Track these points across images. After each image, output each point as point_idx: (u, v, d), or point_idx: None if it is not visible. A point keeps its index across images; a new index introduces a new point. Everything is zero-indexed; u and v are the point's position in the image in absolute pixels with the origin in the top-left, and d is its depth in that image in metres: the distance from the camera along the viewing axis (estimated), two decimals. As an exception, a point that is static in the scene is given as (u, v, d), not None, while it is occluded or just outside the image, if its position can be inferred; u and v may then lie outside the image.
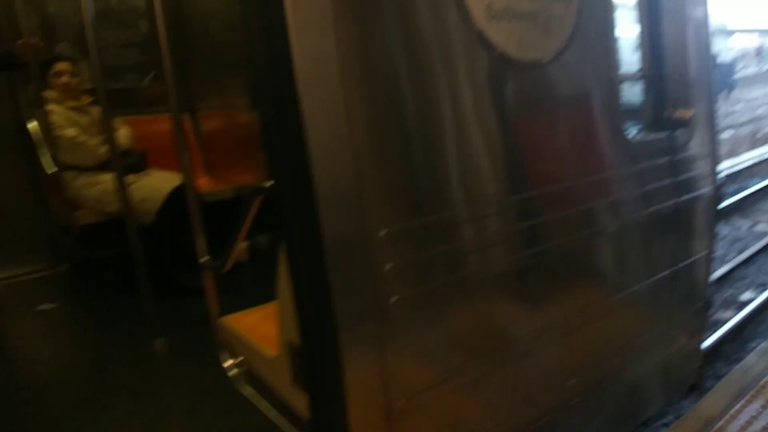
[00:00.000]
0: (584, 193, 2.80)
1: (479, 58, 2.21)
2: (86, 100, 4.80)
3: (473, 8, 2.14)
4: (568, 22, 2.56)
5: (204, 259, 2.79)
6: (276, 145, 1.87)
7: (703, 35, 3.53)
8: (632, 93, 3.39)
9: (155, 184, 4.74)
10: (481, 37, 2.19)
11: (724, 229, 9.69)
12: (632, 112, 3.41)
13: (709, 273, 4.18)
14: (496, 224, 2.37)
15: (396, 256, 1.98)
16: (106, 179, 4.57)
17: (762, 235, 9.52)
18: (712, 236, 4.13)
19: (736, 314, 6.65)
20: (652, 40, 3.31)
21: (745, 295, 7.39)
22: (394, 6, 1.95)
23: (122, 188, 3.69)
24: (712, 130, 3.75)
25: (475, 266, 2.31)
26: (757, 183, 12.11)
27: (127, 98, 5.39)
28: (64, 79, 4.76)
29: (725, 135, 18.33)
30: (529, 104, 2.50)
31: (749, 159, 14.17)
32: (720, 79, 28.18)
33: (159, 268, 4.55)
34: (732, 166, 13.19)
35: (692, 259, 3.77)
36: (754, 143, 16.69)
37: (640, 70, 3.37)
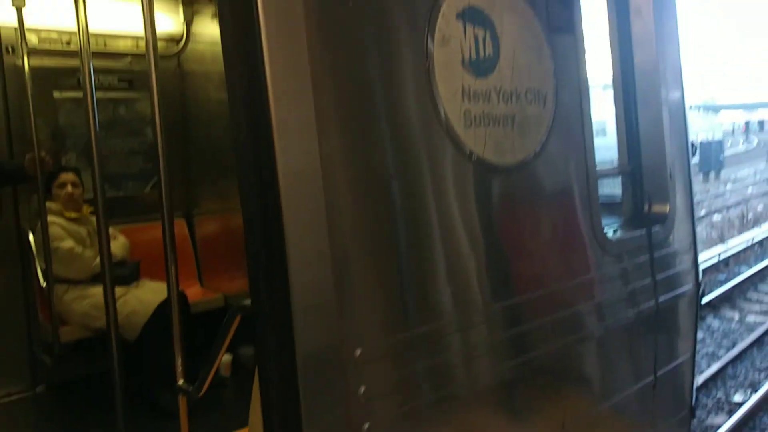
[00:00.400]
0: (566, 296, 2.68)
1: (458, 164, 2.22)
2: (87, 210, 4.74)
3: (451, 116, 2.15)
4: (544, 123, 2.53)
5: (180, 382, 2.58)
6: (256, 261, 1.83)
7: (680, 129, 3.43)
8: (610, 189, 3.34)
9: (144, 297, 4.55)
10: (459, 144, 2.19)
11: (714, 323, 9.47)
12: (611, 209, 3.34)
13: (693, 377, 3.92)
14: (479, 335, 2.28)
15: (370, 378, 1.91)
16: (96, 293, 4.35)
17: (752, 327, 9.29)
18: (695, 337, 3.93)
19: (727, 419, 6.29)
20: (628, 136, 3.25)
21: (737, 397, 7.05)
22: (376, 119, 1.98)
23: (110, 301, 3.53)
24: (692, 224, 3.62)
25: (453, 383, 2.22)
26: (746, 270, 12.01)
27: (129, 206, 5.40)
28: (68, 189, 4.76)
29: (715, 218, 18.45)
30: (509, 207, 2.46)
31: (738, 244, 14.14)
32: (708, 158, 28.75)
33: (140, 389, 4.34)
34: (721, 254, 13.12)
35: (675, 363, 3.53)
36: (743, 226, 16.76)
37: (618, 165, 3.30)
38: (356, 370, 1.89)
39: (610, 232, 3.05)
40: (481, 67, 2.26)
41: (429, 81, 2.09)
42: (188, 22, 5.22)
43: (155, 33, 2.36)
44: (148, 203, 5.55)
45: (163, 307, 4.37)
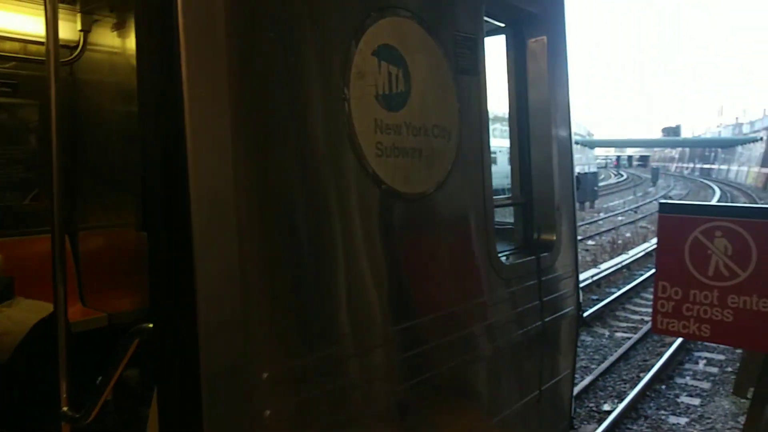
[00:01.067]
0: (462, 318, 2.81)
1: (368, 192, 2.30)
2: None
3: (364, 146, 2.24)
4: (448, 156, 2.68)
5: (65, 408, 2.38)
6: (160, 281, 1.77)
7: (567, 164, 3.76)
8: (504, 218, 3.54)
9: (17, 316, 4.22)
10: (370, 173, 2.28)
11: (587, 339, 10.24)
12: (505, 235, 3.55)
13: (572, 391, 4.27)
14: (380, 357, 2.34)
15: (275, 401, 1.90)
16: None
17: (620, 342, 10.15)
18: (575, 354, 4.26)
19: (597, 427, 6.81)
20: (521, 169, 3.48)
21: (606, 406, 7.68)
22: (291, 145, 2.00)
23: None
24: (575, 252, 3.95)
25: (355, 405, 2.25)
26: (616, 291, 13.09)
27: (4, 218, 5.03)
28: None
29: (590, 243, 19.89)
30: (413, 234, 2.55)
31: (609, 267, 15.36)
32: (584, 189, 30.97)
33: (12, 414, 3.99)
34: (594, 276, 14.19)
35: (557, 378, 3.82)
36: (614, 251, 18.20)
37: (511, 197, 3.53)
38: (262, 393, 1.87)
39: (503, 258, 3.27)
40: (393, 101, 2.39)
41: (345, 112, 2.18)
42: (86, 31, 4.98)
43: (57, 39, 2.28)
44: (25, 215, 5.16)
45: (40, 328, 4.09)
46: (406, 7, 2.47)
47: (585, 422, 7.16)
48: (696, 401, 7.90)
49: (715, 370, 8.95)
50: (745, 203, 34.01)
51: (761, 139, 60.34)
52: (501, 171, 3.94)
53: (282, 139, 1.99)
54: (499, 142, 6.15)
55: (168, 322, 1.79)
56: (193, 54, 1.71)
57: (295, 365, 1.99)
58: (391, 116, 2.38)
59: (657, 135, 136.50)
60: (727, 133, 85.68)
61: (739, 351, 8.20)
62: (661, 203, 3.13)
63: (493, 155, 3.02)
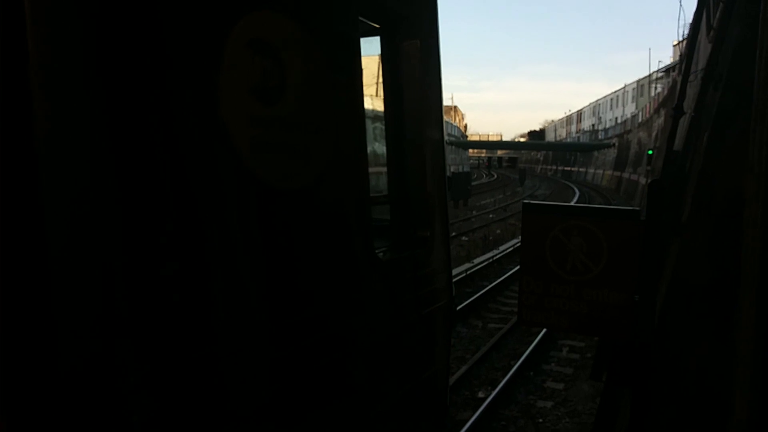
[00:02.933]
0: (340, 312, 2.81)
1: (243, 187, 2.25)
2: None
3: (238, 141, 2.18)
4: (325, 152, 2.67)
5: None
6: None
7: (440, 163, 3.90)
8: (382, 214, 3.59)
9: None
10: (245, 168, 2.22)
11: (462, 330, 10.70)
12: (382, 233, 3.60)
13: (448, 381, 4.43)
14: (258, 352, 2.33)
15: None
16: None
17: (493, 332, 10.70)
18: (449, 344, 4.43)
19: (473, 414, 7.18)
20: (397, 167, 3.55)
21: (480, 393, 8.08)
22: (164, 136, 1.94)
23: None
24: (448, 247, 4.11)
25: (230, 400, 2.20)
26: (488, 284, 13.80)
27: None
28: None
29: (463, 239, 20.77)
30: (290, 229, 2.52)
31: (482, 262, 16.15)
32: (458, 188, 32.29)
33: None
34: (468, 270, 14.86)
35: (434, 368, 3.95)
36: (486, 247, 19.16)
37: (388, 194, 3.59)
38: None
39: (380, 254, 3.32)
40: (268, 96, 2.34)
41: (217, 106, 2.11)
42: None
43: None
44: None
45: None
46: (281, 2, 2.43)
47: (461, 410, 7.47)
48: (560, 386, 8.53)
49: (576, 356, 9.70)
50: (600, 203, 37.15)
51: (614, 145, 66.18)
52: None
53: (154, 130, 1.91)
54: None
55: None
56: (40, 49, 1.62)
57: (167, 362, 1.93)
58: (266, 110, 2.33)
59: (524, 138, 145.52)
60: (585, 139, 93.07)
61: (596, 339, 8.95)
62: (524, 204, 3.33)
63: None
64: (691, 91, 4.13)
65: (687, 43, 5.61)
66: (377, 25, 3.30)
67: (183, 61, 2.01)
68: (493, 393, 7.79)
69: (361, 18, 3.03)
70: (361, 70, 2.95)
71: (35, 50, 1.60)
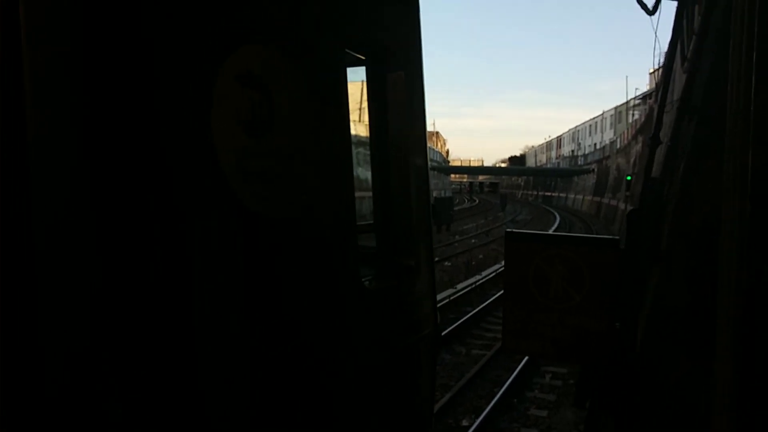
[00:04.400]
0: (325, 341, 2.81)
1: (232, 216, 2.28)
2: None
3: (227, 171, 2.22)
4: (313, 181, 2.71)
5: None
6: None
7: (424, 191, 3.95)
8: (367, 242, 3.62)
9: None
10: (234, 198, 2.26)
11: (446, 356, 10.67)
12: (368, 260, 3.63)
13: (432, 409, 4.42)
14: (242, 381, 2.34)
15: None
16: None
17: (477, 359, 10.69)
18: (435, 371, 4.43)
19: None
20: (382, 195, 3.59)
21: (465, 422, 8.04)
22: (155, 166, 1.97)
23: None
24: (432, 274, 4.13)
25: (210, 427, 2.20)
26: (471, 310, 13.80)
27: None
28: None
29: (446, 264, 20.81)
30: (279, 258, 2.55)
31: (465, 287, 16.18)
32: (442, 213, 32.44)
33: None
34: (451, 295, 14.87)
35: (418, 395, 3.95)
36: (469, 272, 19.22)
37: (373, 222, 3.62)
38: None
39: (366, 282, 3.34)
40: (257, 127, 2.39)
41: (208, 137, 2.15)
42: None
43: None
44: None
45: None
46: (270, 36, 2.49)
47: (444, 439, 7.43)
48: (544, 413, 8.52)
49: (559, 383, 9.71)
50: (581, 229, 37.52)
51: (593, 170, 67.16)
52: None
53: (146, 159, 1.95)
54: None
55: None
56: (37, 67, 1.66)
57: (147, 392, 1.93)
58: (255, 142, 2.38)
59: (505, 164, 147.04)
60: (564, 165, 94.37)
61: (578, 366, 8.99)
62: (507, 233, 3.38)
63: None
64: (668, 119, 4.24)
65: (662, 73, 5.76)
66: (363, 57, 3.37)
67: (177, 94, 2.06)
68: (477, 421, 7.76)
69: (347, 50, 3.09)
70: (347, 101, 3.01)
71: (31, 75, 1.64)
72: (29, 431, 1.70)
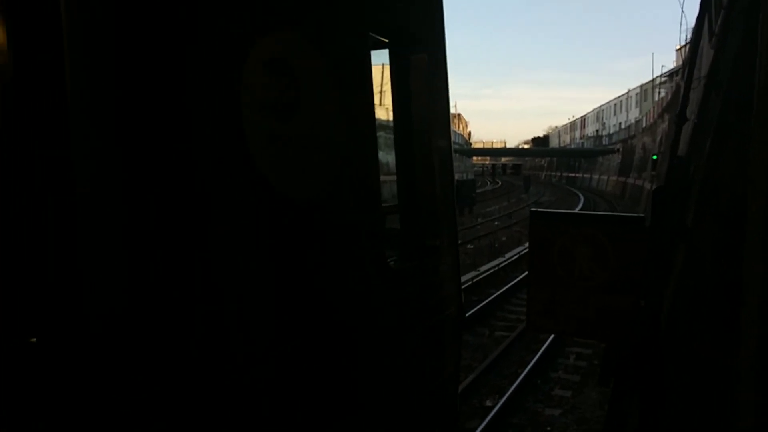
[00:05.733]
0: (353, 320, 2.88)
1: (263, 199, 2.34)
2: None
3: (256, 155, 2.28)
4: (339, 165, 2.77)
5: None
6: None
7: (448, 172, 3.97)
8: (392, 223, 3.67)
9: None
10: (264, 181, 2.31)
11: (469, 338, 10.71)
12: (394, 241, 3.67)
13: (457, 389, 4.47)
14: (269, 360, 2.39)
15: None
16: None
17: (500, 340, 10.72)
18: (459, 352, 4.47)
19: (481, 423, 7.20)
20: (406, 178, 3.63)
21: (488, 402, 8.10)
22: (186, 151, 2.04)
23: None
24: (456, 255, 4.17)
25: (242, 403, 2.26)
26: (494, 292, 13.81)
27: None
28: None
29: (469, 247, 20.78)
30: (307, 240, 2.60)
31: (488, 270, 16.16)
32: (463, 195, 32.29)
33: None
34: (474, 278, 14.88)
35: (444, 376, 4.00)
36: (492, 254, 19.17)
37: (398, 204, 3.66)
38: None
39: (391, 263, 3.39)
40: (284, 113, 2.44)
41: (238, 122, 2.21)
42: None
43: None
44: None
45: None
46: (296, 23, 2.53)
47: (470, 419, 7.48)
48: (568, 393, 8.53)
49: (584, 363, 9.70)
50: (605, 210, 37.08)
51: (618, 150, 66.14)
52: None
53: (178, 144, 2.02)
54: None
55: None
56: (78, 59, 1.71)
57: (172, 368, 1.99)
58: (282, 126, 2.42)
59: (528, 145, 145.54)
60: (589, 145, 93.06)
61: (602, 345, 8.97)
62: (531, 212, 3.38)
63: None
64: (695, 97, 4.18)
65: (689, 49, 5.66)
66: (386, 40, 3.38)
67: (207, 80, 2.10)
68: (501, 401, 7.80)
69: (371, 33, 3.11)
70: (371, 83, 3.03)
71: (72, 66, 1.69)
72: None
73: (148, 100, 1.93)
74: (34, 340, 1.82)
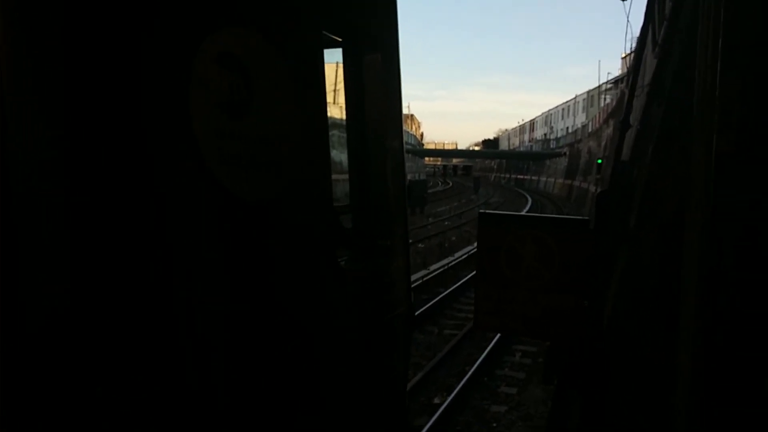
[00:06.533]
0: (302, 322, 2.84)
1: (212, 200, 2.28)
2: None
3: (206, 154, 2.22)
4: (291, 164, 2.72)
5: None
6: None
7: (400, 173, 3.99)
8: (345, 224, 3.66)
9: None
10: (213, 181, 2.26)
11: (418, 336, 10.81)
12: (345, 241, 3.66)
13: (405, 387, 4.50)
14: (219, 366, 2.35)
15: None
16: None
17: (448, 338, 10.85)
18: (409, 350, 4.51)
19: (429, 419, 7.27)
20: (358, 176, 3.62)
21: (436, 399, 8.18)
22: (132, 149, 1.98)
23: None
24: (407, 255, 4.19)
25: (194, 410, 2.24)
26: (444, 291, 13.96)
27: None
28: None
29: (419, 246, 20.95)
30: (258, 240, 2.56)
31: (437, 269, 16.33)
32: (415, 195, 32.54)
33: None
34: (424, 276, 15.01)
35: (393, 374, 4.02)
36: (442, 254, 19.38)
37: (350, 203, 3.65)
38: None
39: (342, 263, 3.38)
40: (235, 110, 2.39)
41: (187, 119, 2.15)
42: None
43: None
44: None
45: None
46: (248, 18, 2.48)
47: (417, 416, 7.55)
48: (514, 390, 8.71)
49: (529, 361, 9.92)
50: (552, 211, 38.02)
51: (565, 154, 67.88)
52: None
53: (125, 142, 1.95)
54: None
55: None
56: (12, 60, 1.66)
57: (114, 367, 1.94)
58: (234, 124, 2.38)
59: (478, 147, 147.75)
60: (537, 148, 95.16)
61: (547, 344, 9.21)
62: (480, 214, 3.44)
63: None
64: (638, 104, 4.32)
65: (634, 58, 5.85)
66: (340, 39, 3.37)
67: (156, 76, 2.05)
68: (449, 399, 7.90)
69: (324, 32, 3.09)
70: (324, 82, 3.01)
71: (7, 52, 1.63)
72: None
73: (93, 95, 1.86)
74: None
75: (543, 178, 76.62)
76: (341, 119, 3.68)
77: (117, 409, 1.93)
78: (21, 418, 1.70)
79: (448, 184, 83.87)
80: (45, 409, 1.75)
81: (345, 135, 3.57)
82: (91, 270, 1.86)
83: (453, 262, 17.53)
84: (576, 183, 54.86)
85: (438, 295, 13.52)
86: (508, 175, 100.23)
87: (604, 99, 65.73)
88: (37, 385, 1.73)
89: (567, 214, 34.88)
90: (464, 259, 18.20)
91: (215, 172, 2.28)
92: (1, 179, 1.64)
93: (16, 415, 1.70)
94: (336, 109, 3.91)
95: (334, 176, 3.18)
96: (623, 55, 54.69)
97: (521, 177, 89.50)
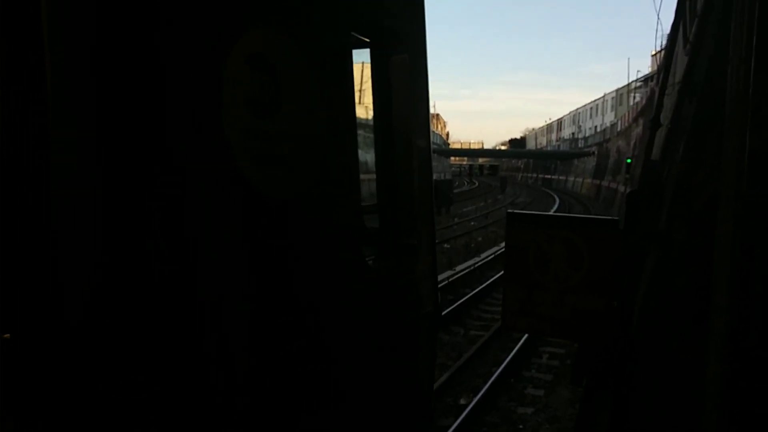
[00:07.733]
0: (330, 318, 2.87)
1: (242, 197, 2.32)
2: None
3: (237, 153, 2.27)
4: (319, 163, 2.76)
5: None
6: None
7: (427, 172, 3.99)
8: (372, 223, 3.68)
9: None
10: (243, 179, 2.30)
11: (444, 337, 10.78)
12: (372, 240, 3.68)
13: (432, 387, 4.50)
14: (250, 359, 2.40)
15: None
16: None
17: (474, 340, 10.80)
18: (434, 350, 4.50)
19: (454, 421, 7.25)
20: (386, 177, 3.64)
21: (462, 400, 8.16)
22: (167, 149, 2.02)
23: None
24: (433, 254, 4.19)
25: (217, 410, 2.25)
26: (470, 292, 13.90)
27: None
28: None
29: (445, 246, 20.89)
30: (284, 239, 2.59)
31: (463, 269, 16.27)
32: (441, 195, 32.45)
33: None
34: (450, 277, 14.96)
35: (419, 373, 4.02)
36: (468, 254, 19.30)
37: (376, 203, 3.67)
38: None
39: (369, 261, 3.40)
40: (265, 109, 2.43)
41: (217, 119, 2.19)
42: None
43: None
44: None
45: None
46: (278, 19, 2.52)
47: (444, 416, 7.53)
48: (541, 392, 8.64)
49: (556, 363, 9.82)
50: (580, 212, 37.57)
51: (593, 153, 66.99)
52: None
53: (158, 143, 1.99)
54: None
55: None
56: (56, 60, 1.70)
57: (148, 363, 1.97)
58: (262, 123, 2.41)
59: (505, 146, 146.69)
60: (565, 147, 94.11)
61: (575, 345, 9.11)
62: (508, 214, 3.43)
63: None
64: (669, 102, 4.26)
65: (664, 55, 5.76)
66: (368, 40, 3.39)
67: (187, 76, 2.10)
68: (475, 399, 7.87)
69: (352, 33, 3.12)
70: (352, 83, 3.04)
71: (50, 59, 1.68)
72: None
73: (127, 96, 1.91)
74: (8, 336, 1.79)
75: (570, 178, 75.72)
76: (369, 119, 3.70)
77: (150, 402, 1.98)
78: (58, 412, 1.75)
79: (474, 183, 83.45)
80: (84, 403, 1.79)
81: (372, 135, 3.59)
82: (125, 267, 1.90)
83: (479, 263, 17.44)
84: (604, 183, 54.11)
85: (464, 296, 13.46)
86: (535, 175, 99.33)
87: (634, 97, 64.72)
88: (75, 380, 1.78)
89: (595, 214, 34.45)
90: (490, 259, 18.09)
91: (244, 171, 2.32)
92: (42, 179, 1.70)
93: (54, 409, 1.75)
94: (364, 109, 3.93)
95: (361, 176, 3.20)
96: (653, 53, 53.75)
97: (548, 177, 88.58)
